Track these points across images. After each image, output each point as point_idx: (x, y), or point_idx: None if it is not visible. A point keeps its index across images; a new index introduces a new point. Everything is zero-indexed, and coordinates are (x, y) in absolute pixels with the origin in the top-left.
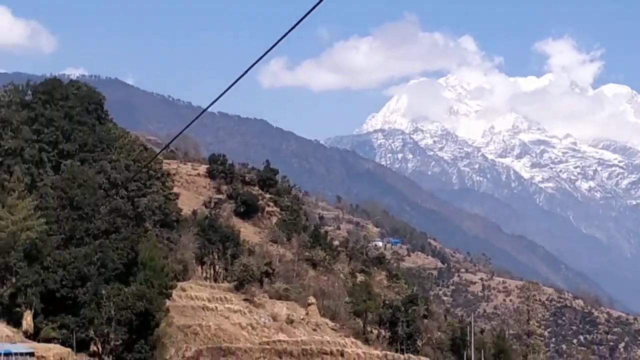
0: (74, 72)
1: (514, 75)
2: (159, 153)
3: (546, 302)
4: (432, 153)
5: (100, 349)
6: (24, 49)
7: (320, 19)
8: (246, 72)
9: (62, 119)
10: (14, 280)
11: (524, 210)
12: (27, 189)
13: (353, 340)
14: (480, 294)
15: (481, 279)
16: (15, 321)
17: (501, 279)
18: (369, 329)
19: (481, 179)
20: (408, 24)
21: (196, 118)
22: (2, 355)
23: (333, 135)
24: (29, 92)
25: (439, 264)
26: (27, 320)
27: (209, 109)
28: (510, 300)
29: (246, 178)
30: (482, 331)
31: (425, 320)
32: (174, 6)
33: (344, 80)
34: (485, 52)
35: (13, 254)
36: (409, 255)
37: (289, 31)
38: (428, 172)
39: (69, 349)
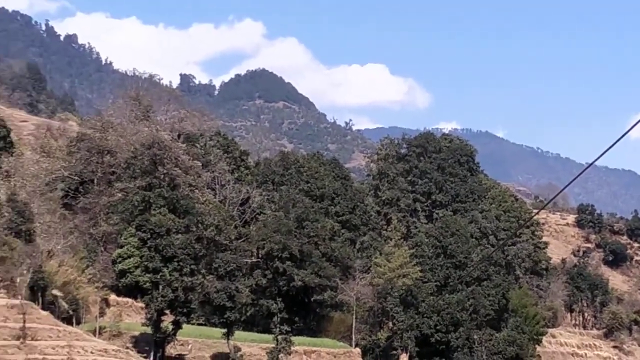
0: (446, 126)
1: None
2: (543, 206)
3: None
4: None
5: None
6: (400, 104)
7: None
8: (631, 128)
9: (435, 170)
10: (390, 324)
11: None
12: (403, 237)
13: None
14: None
15: None
16: None
17: None
18: None
19: None
20: None
21: (580, 174)
22: None
23: None
24: (404, 145)
25: None
26: None
27: (577, 161)
28: None
29: (614, 227)
30: None
31: None
32: (539, 62)
33: None
34: None
35: (389, 299)
36: None
37: None
38: None
39: None
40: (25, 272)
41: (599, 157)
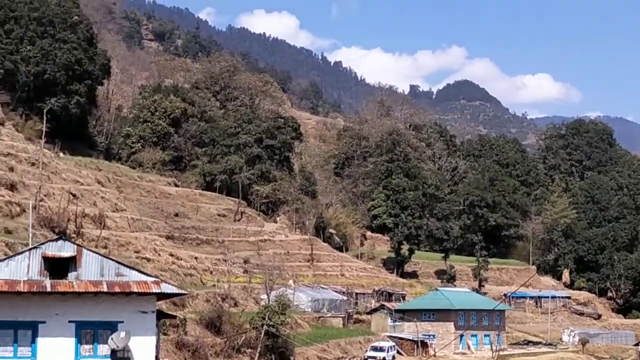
0: (592, 114)
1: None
2: None
3: None
4: None
5: (614, 294)
6: (561, 100)
7: None
8: None
9: (585, 145)
10: (556, 249)
11: None
12: (563, 191)
13: None
14: None
15: None
16: (557, 276)
17: None
18: None
19: None
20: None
21: None
22: (550, 298)
23: None
24: (563, 128)
25: None
26: (565, 276)
27: None
28: None
29: None
30: None
31: None
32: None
33: None
34: None
35: (555, 233)
36: None
37: None
38: None
39: (593, 295)
40: (311, 217)
41: None
